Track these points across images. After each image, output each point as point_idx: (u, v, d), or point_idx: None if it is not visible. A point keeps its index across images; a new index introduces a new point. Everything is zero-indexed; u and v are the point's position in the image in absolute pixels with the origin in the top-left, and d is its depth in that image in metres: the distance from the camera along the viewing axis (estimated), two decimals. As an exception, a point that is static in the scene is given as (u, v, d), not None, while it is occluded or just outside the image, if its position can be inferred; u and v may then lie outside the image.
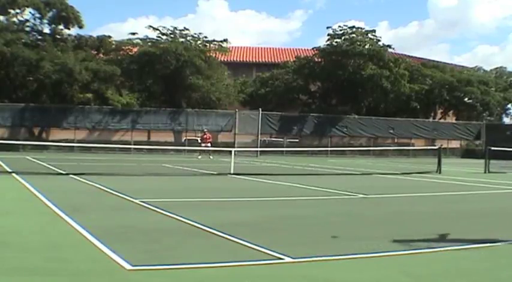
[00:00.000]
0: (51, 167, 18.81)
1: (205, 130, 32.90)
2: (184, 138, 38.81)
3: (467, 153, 42.11)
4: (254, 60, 56.60)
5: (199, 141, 32.44)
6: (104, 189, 11.79)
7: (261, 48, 61.62)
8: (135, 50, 39.68)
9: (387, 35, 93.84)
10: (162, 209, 8.70)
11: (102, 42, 38.92)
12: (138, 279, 4.74)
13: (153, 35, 39.91)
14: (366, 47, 42.44)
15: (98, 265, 5.15)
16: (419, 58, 53.35)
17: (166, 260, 5.36)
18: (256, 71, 51.79)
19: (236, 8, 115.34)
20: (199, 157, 29.86)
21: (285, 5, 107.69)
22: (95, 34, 41.72)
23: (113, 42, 39.47)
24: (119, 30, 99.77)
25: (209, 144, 30.78)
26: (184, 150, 33.88)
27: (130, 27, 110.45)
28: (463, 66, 56.23)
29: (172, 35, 39.60)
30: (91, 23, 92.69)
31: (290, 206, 10.26)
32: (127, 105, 37.02)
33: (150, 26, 40.39)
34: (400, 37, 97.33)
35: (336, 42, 42.79)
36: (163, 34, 39.77)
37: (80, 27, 38.03)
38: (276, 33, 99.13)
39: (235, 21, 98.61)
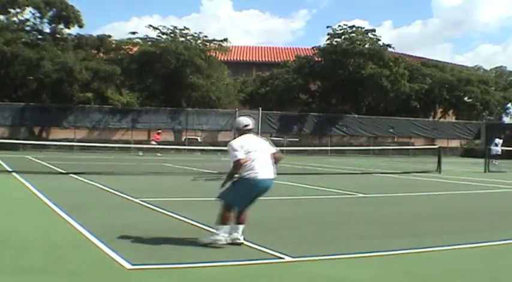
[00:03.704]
0: (51, 166, 18.80)
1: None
2: (185, 137, 38.81)
3: (467, 152, 42.09)
4: (254, 59, 56.52)
5: None
6: (104, 189, 11.79)
7: (262, 47, 61.53)
8: (135, 49, 39.65)
9: (391, 34, 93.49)
10: (162, 209, 8.70)
11: (102, 41, 38.90)
12: (138, 278, 4.74)
13: (154, 34, 39.97)
14: (366, 46, 42.42)
15: (98, 264, 5.15)
16: (419, 57, 53.32)
17: (166, 259, 5.37)
18: (257, 70, 51.75)
19: (240, 7, 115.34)
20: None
21: (289, 4, 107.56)
22: (98, 33, 41.79)
23: (113, 42, 39.46)
24: (122, 29, 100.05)
25: None
26: (185, 149, 33.84)
27: (134, 26, 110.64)
28: (463, 66, 56.25)
29: (172, 35, 39.58)
30: (94, 22, 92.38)
31: (290, 205, 10.26)
32: (127, 104, 37.00)
33: (150, 25, 40.42)
34: (404, 36, 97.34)
35: (336, 41, 42.79)
36: (163, 33, 39.77)
37: (80, 26, 38.02)
38: (279, 33, 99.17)
39: (239, 21, 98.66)
